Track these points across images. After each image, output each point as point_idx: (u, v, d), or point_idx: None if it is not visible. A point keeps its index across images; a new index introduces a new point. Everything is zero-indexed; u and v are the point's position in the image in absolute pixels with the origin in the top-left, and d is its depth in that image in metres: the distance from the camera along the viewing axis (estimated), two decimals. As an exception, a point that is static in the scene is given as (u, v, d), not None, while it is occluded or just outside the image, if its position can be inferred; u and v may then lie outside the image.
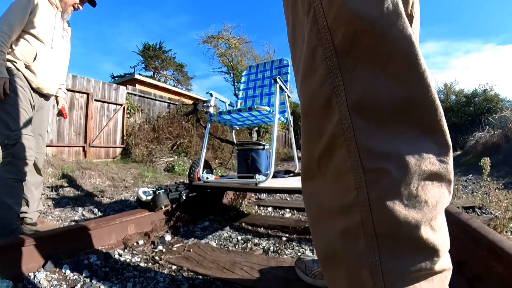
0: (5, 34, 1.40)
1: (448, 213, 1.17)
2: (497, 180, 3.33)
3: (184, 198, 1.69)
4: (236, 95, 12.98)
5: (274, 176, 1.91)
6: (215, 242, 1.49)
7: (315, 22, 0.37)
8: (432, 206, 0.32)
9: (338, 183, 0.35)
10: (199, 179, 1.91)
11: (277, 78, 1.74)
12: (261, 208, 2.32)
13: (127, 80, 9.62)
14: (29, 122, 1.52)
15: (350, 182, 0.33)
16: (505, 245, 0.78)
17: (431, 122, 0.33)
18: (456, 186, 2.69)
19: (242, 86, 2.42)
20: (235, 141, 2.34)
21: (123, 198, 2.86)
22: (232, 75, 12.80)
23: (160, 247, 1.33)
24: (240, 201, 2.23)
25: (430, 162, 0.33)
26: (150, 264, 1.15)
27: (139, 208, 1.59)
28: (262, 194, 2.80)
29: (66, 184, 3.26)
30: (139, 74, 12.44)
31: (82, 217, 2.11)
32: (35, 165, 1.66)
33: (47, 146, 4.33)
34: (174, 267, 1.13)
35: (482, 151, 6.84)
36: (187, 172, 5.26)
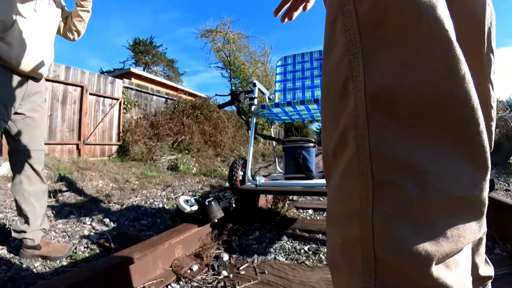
0: None
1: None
2: (506, 177, 3.40)
3: (233, 206, 1.38)
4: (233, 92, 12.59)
5: (322, 177, 1.64)
6: (282, 256, 1.21)
7: None
8: (452, 240, 0.26)
9: (344, 186, 0.30)
10: (241, 182, 1.61)
11: None
12: (300, 210, 2.07)
13: (122, 73, 9.05)
14: None
15: (356, 189, 0.28)
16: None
17: (470, 133, 0.26)
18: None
19: (278, 78, 2.15)
20: (272, 136, 2.04)
21: (134, 203, 2.50)
22: (229, 71, 12.40)
23: (224, 272, 1.02)
24: (281, 204, 1.94)
25: (461, 185, 0.26)
26: (227, 302, 0.85)
27: (181, 220, 1.27)
28: (293, 196, 2.53)
29: (65, 188, 2.84)
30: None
31: (93, 231, 1.75)
32: (32, 168, 1.29)
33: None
34: (261, 304, 0.83)
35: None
36: (192, 171, 4.94)
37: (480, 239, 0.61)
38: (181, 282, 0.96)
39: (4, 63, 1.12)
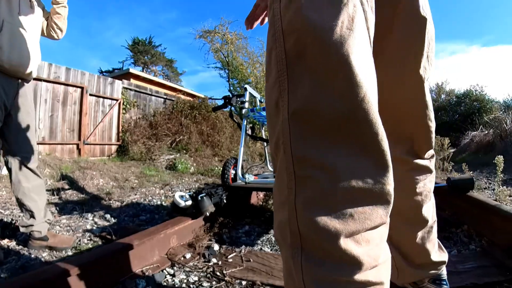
0: None
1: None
2: (495, 176, 3.51)
3: (224, 201, 1.50)
4: (231, 92, 12.68)
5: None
6: (268, 247, 1.33)
7: (272, 24, 0.38)
8: (358, 221, 0.33)
9: (279, 179, 0.38)
10: (233, 180, 1.73)
11: None
12: (290, 209, 2.18)
13: (121, 74, 9.13)
14: None
15: (284, 181, 0.36)
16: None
17: (370, 142, 0.34)
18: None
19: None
20: (263, 137, 2.17)
21: (134, 201, 2.61)
22: (227, 71, 12.49)
23: (214, 260, 1.14)
24: (271, 201, 2.06)
25: (363, 180, 0.33)
26: (214, 282, 0.97)
27: (176, 214, 1.39)
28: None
29: (67, 186, 2.96)
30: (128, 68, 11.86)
31: (95, 226, 1.87)
32: (27, 167, 1.37)
33: (38, 144, 3.94)
34: (244, 282, 0.96)
35: (477, 149, 7.14)
36: (190, 171, 5.06)
37: (431, 227, 0.69)
38: (175, 267, 1.08)
39: None
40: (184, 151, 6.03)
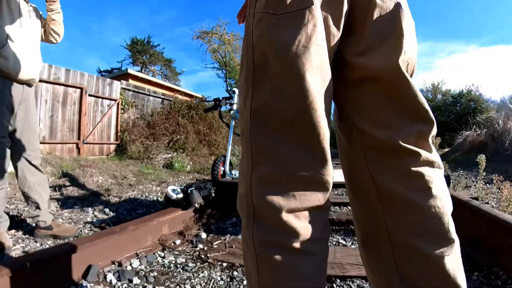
0: None
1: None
2: (486, 175, 3.64)
3: (213, 195, 1.65)
4: (228, 92, 12.81)
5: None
6: (250, 239, 1.47)
7: (246, 35, 0.45)
8: (299, 200, 0.40)
9: (242, 160, 0.46)
10: (222, 176, 1.87)
11: None
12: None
13: (119, 74, 9.25)
14: (3, 122, 1.32)
15: (245, 163, 0.45)
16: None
17: (311, 141, 0.41)
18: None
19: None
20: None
21: (131, 196, 2.76)
22: (224, 71, 12.63)
23: (201, 246, 1.29)
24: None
25: (305, 170, 0.41)
26: (199, 263, 1.12)
27: (170, 207, 1.53)
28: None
29: (68, 183, 3.10)
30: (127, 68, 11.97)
31: (95, 218, 2.01)
32: (31, 164, 1.51)
33: (39, 143, 4.07)
34: (225, 264, 1.10)
35: (470, 149, 7.22)
36: (187, 169, 5.21)
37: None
38: (165, 251, 1.23)
39: (4, 74, 1.33)
40: (181, 150, 6.17)
